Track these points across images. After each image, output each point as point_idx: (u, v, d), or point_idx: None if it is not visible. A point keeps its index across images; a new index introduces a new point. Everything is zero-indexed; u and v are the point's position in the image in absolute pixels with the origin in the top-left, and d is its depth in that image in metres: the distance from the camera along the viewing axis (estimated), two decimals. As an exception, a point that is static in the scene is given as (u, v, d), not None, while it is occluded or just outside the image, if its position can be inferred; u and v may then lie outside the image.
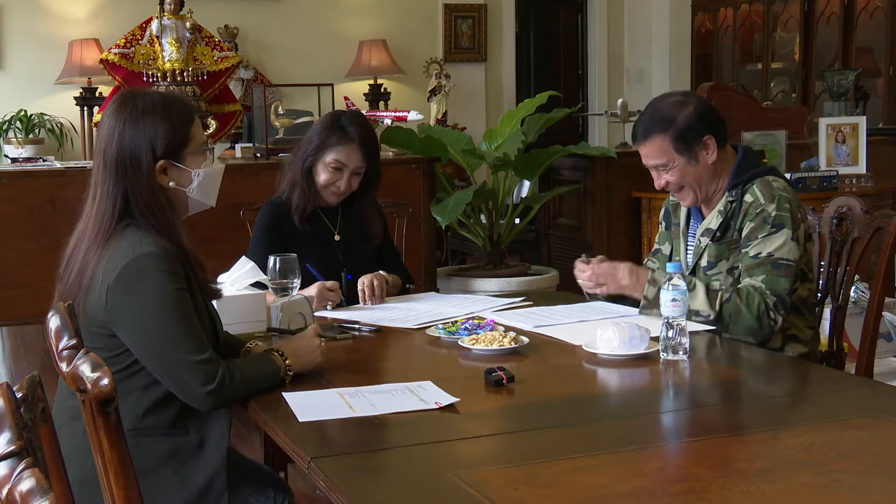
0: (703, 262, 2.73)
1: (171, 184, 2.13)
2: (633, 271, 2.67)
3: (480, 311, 2.77)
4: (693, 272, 2.75)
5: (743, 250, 2.65)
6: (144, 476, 2.01)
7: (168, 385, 2.04)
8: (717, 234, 2.70)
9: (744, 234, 2.65)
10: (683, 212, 2.86)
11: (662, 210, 2.98)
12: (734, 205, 2.69)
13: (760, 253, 2.61)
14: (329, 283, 2.86)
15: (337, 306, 2.89)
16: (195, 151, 2.15)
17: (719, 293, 2.57)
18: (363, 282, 2.93)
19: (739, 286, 2.61)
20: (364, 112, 5.86)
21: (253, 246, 3.03)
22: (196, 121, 2.18)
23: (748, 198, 2.67)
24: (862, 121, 5.82)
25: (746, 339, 2.57)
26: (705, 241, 2.73)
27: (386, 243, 3.22)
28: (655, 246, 3.00)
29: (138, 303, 2.01)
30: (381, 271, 3.02)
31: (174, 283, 2.03)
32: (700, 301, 2.56)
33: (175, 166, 2.13)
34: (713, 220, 2.72)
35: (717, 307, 2.55)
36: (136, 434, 2.05)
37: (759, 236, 2.62)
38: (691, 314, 2.52)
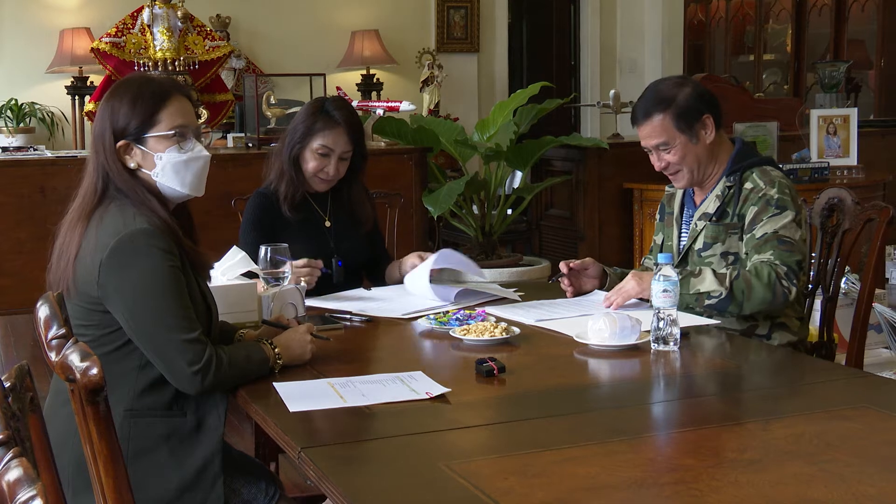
0: (698, 245, 2.74)
1: (132, 165, 2.12)
2: (637, 275, 2.63)
3: (475, 304, 2.76)
4: (685, 257, 2.76)
5: (747, 235, 2.66)
6: (141, 457, 2.01)
7: (155, 363, 2.04)
8: (714, 217, 2.72)
9: (747, 219, 2.67)
10: (678, 200, 2.87)
11: (659, 206, 2.99)
12: (732, 190, 2.71)
13: (766, 232, 2.63)
14: (299, 262, 2.79)
15: (327, 292, 2.88)
16: (161, 134, 2.11)
17: (727, 272, 2.57)
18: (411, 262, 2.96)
19: (747, 264, 2.62)
20: (356, 102, 5.86)
21: (242, 236, 3.02)
22: (171, 104, 2.12)
23: (748, 185, 2.69)
24: (853, 112, 5.83)
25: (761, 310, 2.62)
26: (702, 224, 2.74)
27: (374, 230, 3.22)
28: (653, 242, 3.01)
29: (130, 279, 2.01)
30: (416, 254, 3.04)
31: (167, 261, 2.02)
32: (709, 282, 2.55)
33: (137, 147, 2.12)
34: (710, 204, 2.74)
35: (728, 284, 2.55)
36: (132, 414, 2.05)
37: (764, 218, 2.64)
38: (703, 298, 2.54)
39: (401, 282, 3.05)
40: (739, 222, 2.69)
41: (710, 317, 2.55)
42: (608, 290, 2.78)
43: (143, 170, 2.12)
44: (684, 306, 2.55)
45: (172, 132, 2.12)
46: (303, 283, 2.78)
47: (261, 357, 2.11)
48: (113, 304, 2.03)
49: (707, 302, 2.54)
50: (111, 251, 2.00)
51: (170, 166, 2.12)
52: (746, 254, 2.66)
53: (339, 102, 3.10)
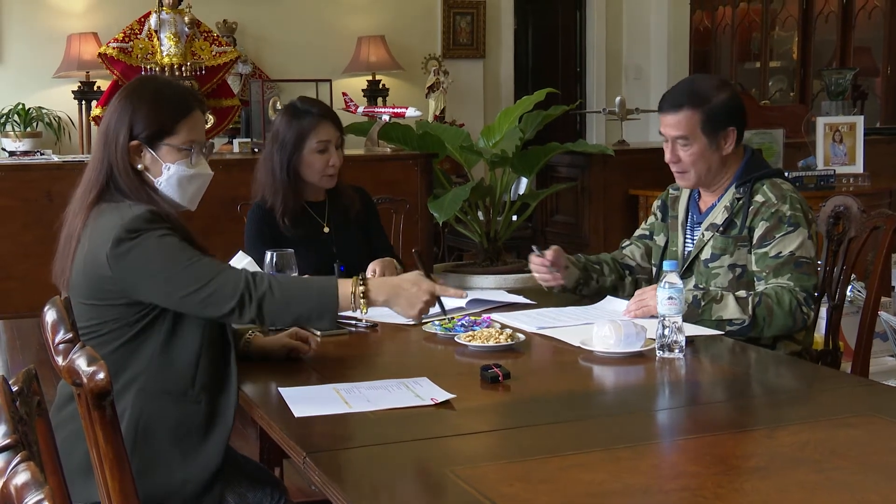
0: (705, 255, 2.73)
1: (139, 167, 2.13)
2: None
3: (481, 310, 2.76)
4: (691, 265, 2.76)
5: (759, 251, 2.65)
6: (146, 442, 2.01)
7: (202, 316, 2.05)
8: (721, 228, 2.71)
9: (757, 233, 2.66)
10: (682, 204, 2.86)
11: (658, 201, 2.97)
12: (741, 202, 2.69)
13: (781, 252, 2.62)
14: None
15: None
16: (175, 146, 2.13)
17: (749, 298, 2.56)
18: (374, 269, 2.93)
19: (766, 288, 2.61)
20: (362, 108, 5.87)
21: (248, 251, 3.03)
22: (191, 118, 2.15)
23: (759, 198, 2.68)
24: (859, 120, 5.82)
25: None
26: (709, 234, 2.73)
27: (376, 232, 3.22)
28: (643, 231, 2.98)
29: (140, 256, 2.01)
30: (388, 258, 3.01)
31: (167, 233, 2.04)
32: (731, 310, 2.54)
33: (148, 152, 2.13)
34: (718, 215, 2.73)
35: (751, 312, 2.54)
36: (145, 395, 2.05)
37: (777, 236, 2.63)
38: (724, 324, 2.53)
39: None
40: (748, 235, 2.68)
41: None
42: (628, 296, 2.76)
43: (148, 174, 2.14)
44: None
45: (186, 147, 2.15)
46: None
47: (324, 285, 2.07)
48: (135, 287, 2.03)
49: (729, 328, 2.53)
50: (115, 241, 2.02)
51: (175, 178, 2.15)
52: (760, 272, 2.64)
53: (308, 100, 3.15)
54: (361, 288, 2.06)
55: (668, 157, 2.74)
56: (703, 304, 2.55)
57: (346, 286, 2.05)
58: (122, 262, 2.02)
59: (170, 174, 2.14)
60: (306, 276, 2.10)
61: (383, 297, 2.09)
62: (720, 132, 2.68)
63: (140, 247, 2.02)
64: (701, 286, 2.71)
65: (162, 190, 2.15)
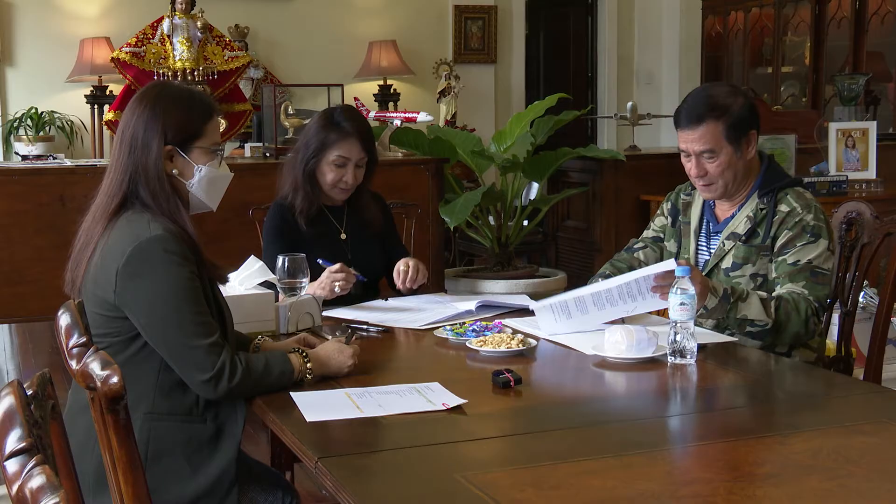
0: (726, 264, 2.71)
1: (174, 171, 2.15)
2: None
3: (493, 316, 2.76)
4: (709, 274, 2.73)
5: (779, 258, 2.64)
6: (158, 461, 2.03)
7: (174, 367, 2.06)
8: (744, 237, 2.70)
9: (779, 242, 2.65)
10: (696, 211, 2.84)
11: (668, 204, 2.94)
12: (765, 212, 2.68)
13: (799, 260, 2.61)
14: (335, 266, 2.82)
15: (345, 303, 2.89)
16: (204, 148, 2.18)
17: (772, 301, 2.54)
18: (402, 266, 2.95)
19: (782, 292, 2.60)
20: (373, 113, 5.88)
21: (266, 246, 3.05)
22: (214, 119, 2.20)
23: (783, 207, 2.66)
24: (872, 125, 5.80)
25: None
26: (730, 243, 2.72)
27: (393, 240, 3.23)
28: (655, 233, 2.95)
29: (146, 287, 2.03)
30: (415, 258, 3.03)
31: (184, 267, 2.05)
32: (756, 310, 2.52)
33: (181, 156, 2.15)
34: (741, 224, 2.71)
35: (773, 315, 2.53)
36: (153, 417, 2.07)
37: (798, 244, 2.62)
38: (745, 324, 2.51)
39: (412, 292, 3.04)
40: (771, 244, 2.66)
41: (731, 334, 2.54)
42: None
43: (180, 179, 2.16)
44: (723, 328, 2.55)
45: (214, 148, 2.20)
46: (337, 289, 2.79)
47: (283, 369, 2.10)
48: (131, 310, 2.05)
49: (748, 328, 2.52)
50: (127, 258, 2.03)
51: (206, 180, 2.19)
52: (776, 278, 2.63)
53: (348, 112, 3.12)
54: (309, 365, 2.13)
55: (693, 172, 2.69)
56: (731, 300, 2.51)
57: (291, 364, 2.11)
58: (127, 279, 2.03)
59: (201, 175, 2.17)
60: (259, 357, 2.12)
61: (320, 372, 2.15)
62: (743, 138, 2.66)
63: (148, 275, 2.03)
64: None
65: (193, 192, 2.18)
